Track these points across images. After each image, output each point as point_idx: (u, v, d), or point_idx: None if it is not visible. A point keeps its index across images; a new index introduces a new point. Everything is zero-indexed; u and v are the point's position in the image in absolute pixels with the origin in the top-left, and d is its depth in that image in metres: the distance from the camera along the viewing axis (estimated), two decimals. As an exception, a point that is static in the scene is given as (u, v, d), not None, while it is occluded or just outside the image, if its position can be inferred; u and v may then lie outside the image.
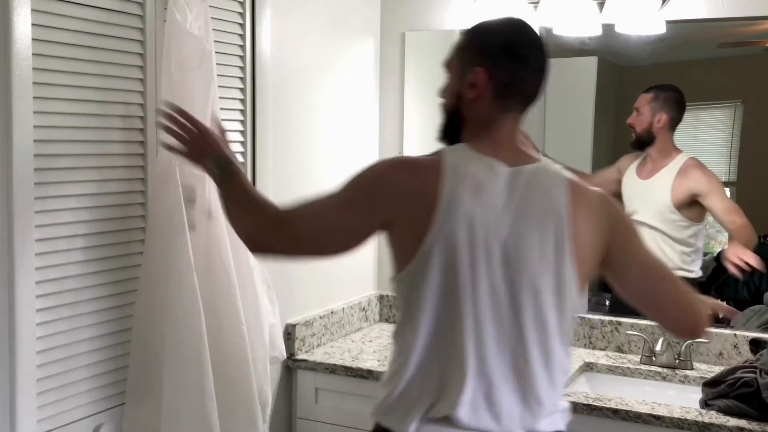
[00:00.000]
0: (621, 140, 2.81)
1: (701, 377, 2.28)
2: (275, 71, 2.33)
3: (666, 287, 1.59)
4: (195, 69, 1.83)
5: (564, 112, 2.87)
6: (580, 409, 2.09)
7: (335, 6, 2.65)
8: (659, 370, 2.43)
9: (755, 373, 2.01)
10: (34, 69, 1.60)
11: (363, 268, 2.88)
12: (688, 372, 2.40)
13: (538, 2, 2.67)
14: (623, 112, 2.73)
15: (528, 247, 1.46)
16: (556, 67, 2.88)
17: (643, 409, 2.05)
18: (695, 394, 2.16)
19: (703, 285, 2.81)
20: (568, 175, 1.54)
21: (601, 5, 2.61)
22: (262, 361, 2.06)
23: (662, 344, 2.45)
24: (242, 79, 2.20)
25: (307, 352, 2.52)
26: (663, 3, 2.51)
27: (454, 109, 1.57)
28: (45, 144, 1.65)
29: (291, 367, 2.48)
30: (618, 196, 2.73)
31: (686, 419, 1.99)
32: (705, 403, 2.07)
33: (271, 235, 1.58)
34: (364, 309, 2.84)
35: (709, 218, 2.95)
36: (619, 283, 1.59)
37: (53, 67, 1.66)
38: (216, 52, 1.97)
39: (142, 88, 1.86)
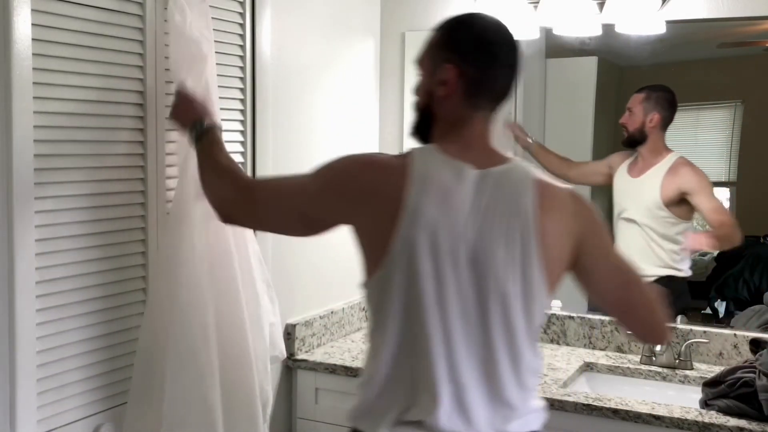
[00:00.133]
0: (621, 140, 2.81)
1: (701, 377, 2.28)
2: (275, 71, 2.33)
3: (634, 291, 1.59)
4: (187, 74, 1.84)
5: (564, 112, 2.87)
6: (580, 409, 2.09)
7: (335, 6, 2.65)
8: (659, 370, 2.43)
9: (755, 373, 2.01)
10: (34, 69, 1.60)
11: (363, 268, 2.88)
12: (688, 372, 2.40)
13: (538, 2, 2.67)
14: (623, 112, 2.73)
15: (495, 251, 1.45)
16: (556, 67, 2.92)
17: (643, 409, 2.05)
18: (695, 394, 2.16)
19: (703, 285, 2.81)
20: (537, 175, 1.53)
21: (601, 5, 2.61)
22: (263, 360, 2.06)
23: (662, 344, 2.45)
24: (242, 79, 2.20)
25: (307, 352, 2.52)
26: (663, 3, 2.51)
27: (426, 107, 1.56)
28: (45, 144, 1.65)
29: (291, 367, 2.48)
30: (604, 189, 2.79)
31: (686, 419, 1.99)
32: (705, 403, 2.07)
33: (236, 206, 1.63)
34: (364, 309, 2.84)
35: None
36: (588, 285, 1.58)
37: (53, 67, 1.66)
38: (216, 52, 1.97)
39: (142, 87, 1.86)
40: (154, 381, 1.81)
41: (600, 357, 2.56)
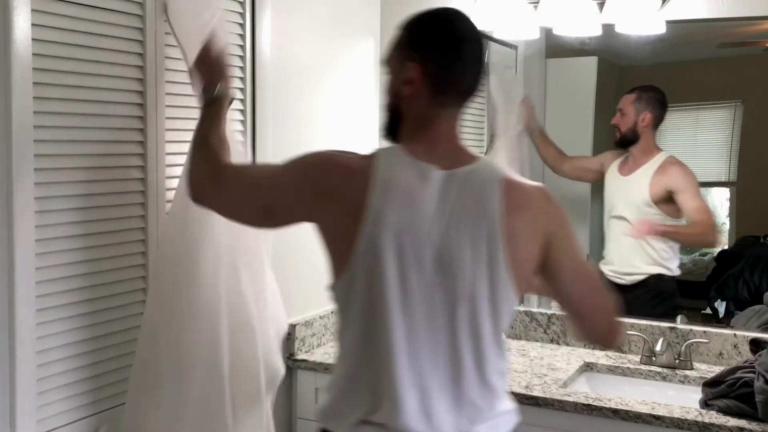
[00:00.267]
0: (613, 140, 2.83)
1: (701, 377, 2.28)
2: (275, 71, 2.33)
3: (597, 295, 1.58)
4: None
5: (564, 112, 2.87)
6: (580, 409, 2.09)
7: (335, 6, 2.65)
8: (659, 370, 2.43)
9: (755, 373, 2.01)
10: (34, 69, 1.60)
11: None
12: (688, 372, 2.40)
13: (538, 2, 2.67)
14: (623, 112, 2.74)
15: (461, 254, 1.44)
16: (556, 67, 2.92)
17: (643, 409, 2.05)
18: (695, 394, 2.16)
19: (703, 285, 2.82)
20: (505, 174, 1.51)
21: (601, 5, 2.61)
22: (273, 331, 2.04)
23: (662, 344, 2.45)
24: (242, 79, 2.20)
25: (307, 352, 2.52)
26: (663, 3, 2.51)
27: (395, 107, 1.55)
28: (45, 144, 1.65)
29: (291, 367, 2.48)
30: (595, 186, 2.85)
31: (686, 419, 1.99)
32: (705, 403, 2.07)
33: (205, 186, 1.62)
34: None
35: (709, 218, 2.96)
36: (554, 286, 1.57)
37: (53, 67, 1.66)
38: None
39: (142, 88, 1.86)
40: (154, 381, 1.80)
41: (600, 357, 2.56)
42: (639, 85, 2.74)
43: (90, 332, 1.78)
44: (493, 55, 2.93)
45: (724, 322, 2.70)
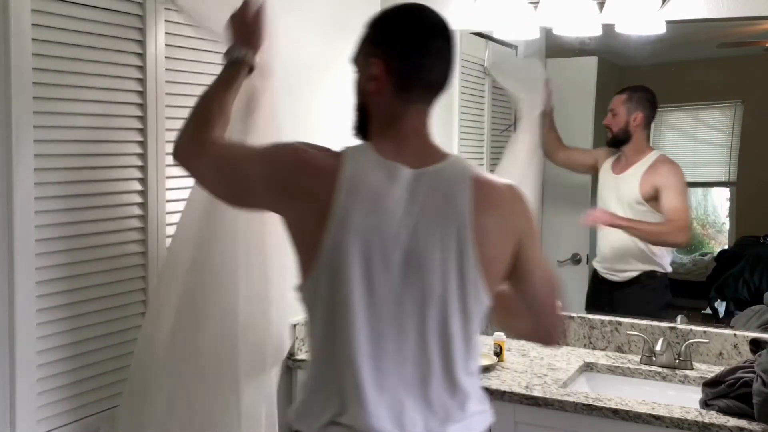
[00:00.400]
0: (605, 141, 2.84)
1: (701, 377, 2.28)
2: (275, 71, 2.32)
3: (554, 294, 1.57)
4: None
5: (564, 112, 2.87)
6: (580, 409, 2.09)
7: (335, 6, 2.65)
8: (659, 370, 2.43)
9: (755, 373, 2.01)
10: (34, 69, 1.60)
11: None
12: (688, 372, 2.40)
13: (538, 2, 2.67)
14: (623, 112, 2.74)
15: (430, 253, 1.41)
16: (556, 67, 2.92)
17: (643, 409, 2.05)
18: (695, 394, 2.16)
19: (703, 285, 2.82)
20: (475, 172, 1.48)
21: (601, 5, 2.61)
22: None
23: (662, 344, 2.45)
24: (242, 79, 2.20)
25: (307, 351, 2.52)
26: (663, 3, 2.51)
27: (363, 105, 1.53)
28: (45, 144, 1.65)
29: (291, 367, 2.48)
30: (595, 178, 2.86)
31: (686, 419, 1.99)
32: (705, 403, 2.07)
33: (188, 148, 1.61)
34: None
35: (709, 218, 2.96)
36: (520, 286, 1.54)
37: (53, 67, 1.66)
38: (215, 52, 1.97)
39: (142, 88, 1.86)
40: (152, 382, 1.80)
41: (600, 357, 2.56)
42: (629, 86, 2.76)
43: (89, 333, 1.78)
44: (493, 54, 2.94)
45: (724, 322, 2.70)
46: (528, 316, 1.58)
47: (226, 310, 1.82)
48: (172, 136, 1.91)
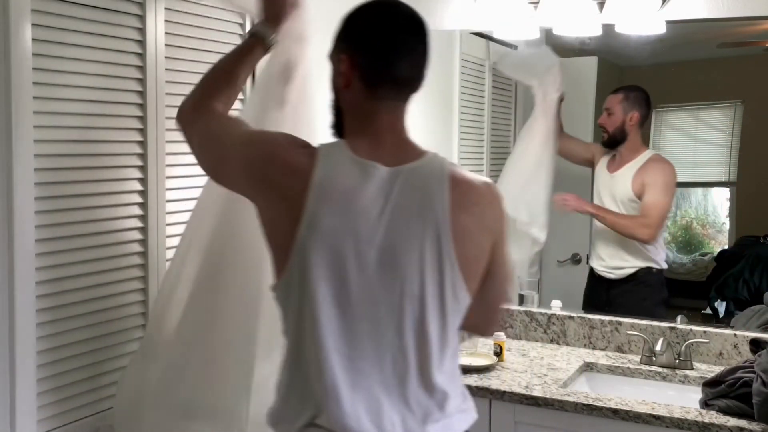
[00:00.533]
0: (601, 141, 2.84)
1: (701, 377, 2.28)
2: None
3: (505, 292, 1.57)
4: None
5: (564, 112, 2.87)
6: (580, 409, 2.09)
7: (335, 6, 2.65)
8: (659, 370, 2.43)
9: (755, 373, 2.01)
10: (34, 69, 1.60)
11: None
12: (688, 372, 2.40)
13: (538, 2, 2.67)
14: (623, 112, 2.75)
15: (407, 253, 1.39)
16: (556, 67, 2.91)
17: (643, 409, 2.05)
18: (695, 394, 2.16)
19: (703, 285, 2.82)
20: (452, 170, 1.46)
21: (601, 5, 2.61)
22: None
23: (662, 344, 2.45)
24: (242, 79, 2.20)
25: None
26: (663, 3, 2.51)
27: (336, 101, 1.53)
28: (45, 144, 1.65)
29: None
30: (589, 180, 2.88)
31: (686, 419, 1.99)
32: (705, 403, 2.07)
33: (187, 113, 1.61)
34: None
35: (709, 218, 2.96)
36: (485, 287, 1.51)
37: (53, 67, 1.66)
38: (214, 52, 1.97)
39: (142, 87, 1.86)
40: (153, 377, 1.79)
41: (600, 357, 2.56)
42: (623, 85, 2.78)
43: (89, 333, 1.78)
44: (492, 54, 2.94)
45: (724, 322, 2.70)
46: (476, 308, 1.52)
47: (248, 278, 1.76)
48: (173, 136, 1.92)
